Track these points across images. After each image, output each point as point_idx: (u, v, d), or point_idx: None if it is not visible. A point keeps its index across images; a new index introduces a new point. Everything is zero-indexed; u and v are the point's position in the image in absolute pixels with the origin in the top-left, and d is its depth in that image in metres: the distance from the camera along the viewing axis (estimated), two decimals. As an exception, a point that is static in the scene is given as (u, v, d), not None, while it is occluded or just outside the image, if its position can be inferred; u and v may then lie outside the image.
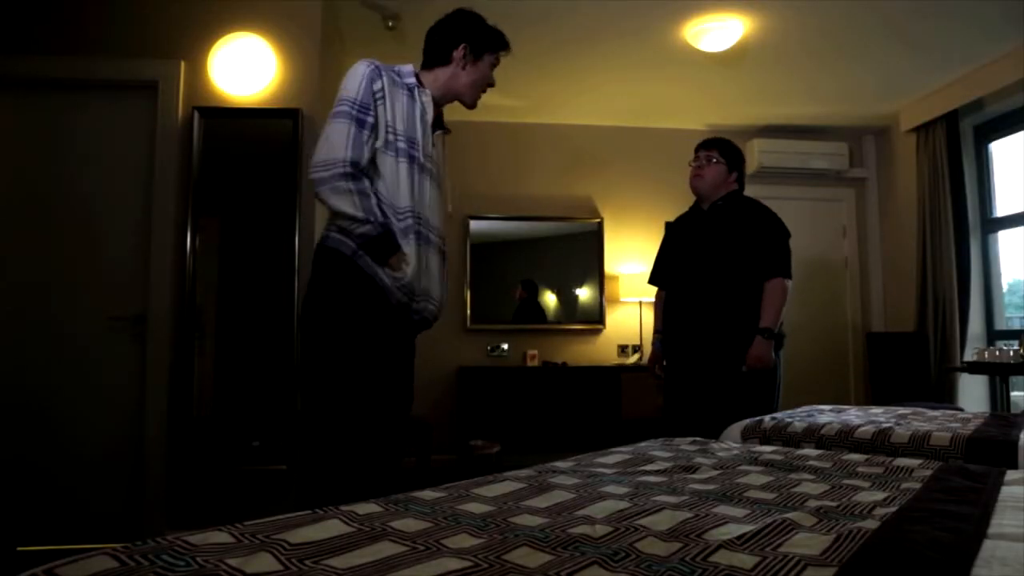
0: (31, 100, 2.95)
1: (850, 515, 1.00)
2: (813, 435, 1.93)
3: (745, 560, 0.76)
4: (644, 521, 0.94)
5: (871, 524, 0.93)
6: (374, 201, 1.75)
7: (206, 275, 2.95)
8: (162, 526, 2.73)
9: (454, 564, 0.72)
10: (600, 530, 0.88)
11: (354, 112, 1.75)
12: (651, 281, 2.95)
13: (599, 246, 5.05)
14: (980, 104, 4.23)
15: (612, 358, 4.98)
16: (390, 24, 3.49)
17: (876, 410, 2.43)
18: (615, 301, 5.01)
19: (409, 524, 0.89)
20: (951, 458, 1.66)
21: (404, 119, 1.82)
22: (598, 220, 5.07)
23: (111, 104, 2.97)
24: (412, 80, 1.89)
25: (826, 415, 2.25)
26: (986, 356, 3.74)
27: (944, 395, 4.29)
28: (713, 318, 2.58)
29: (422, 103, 1.88)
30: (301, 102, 2.97)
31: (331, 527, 0.85)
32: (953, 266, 4.31)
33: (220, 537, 0.78)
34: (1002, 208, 4.45)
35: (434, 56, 1.95)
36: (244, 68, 2.96)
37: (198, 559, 0.70)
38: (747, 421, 2.13)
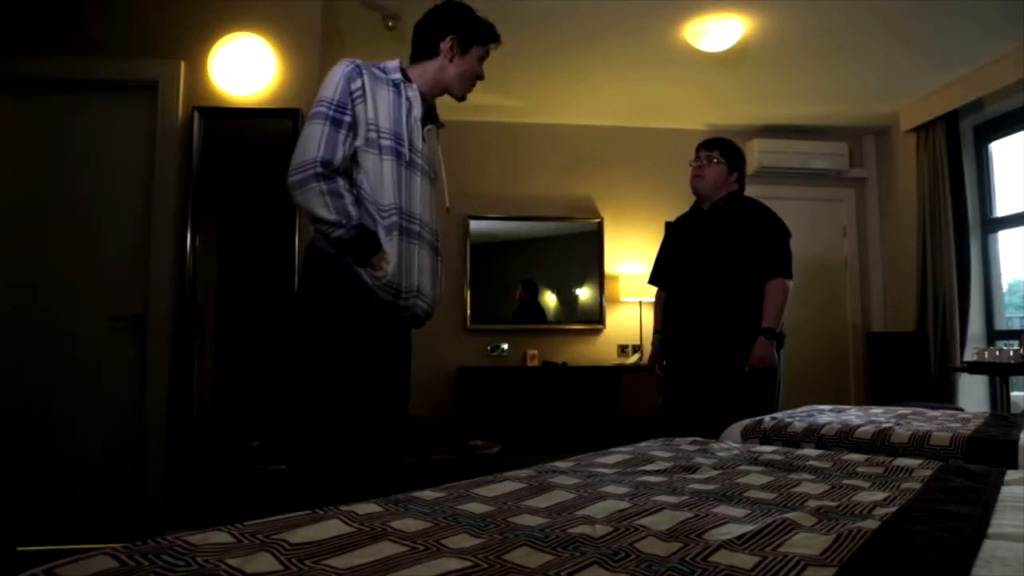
0: (31, 100, 2.95)
1: (850, 515, 1.00)
2: (813, 435, 1.93)
3: (745, 560, 0.76)
4: (644, 521, 0.94)
5: (871, 524, 0.93)
6: (348, 200, 1.71)
7: (206, 275, 2.95)
8: (162, 526, 2.73)
9: (454, 564, 0.72)
10: (600, 530, 0.88)
11: (330, 112, 1.72)
12: (651, 281, 2.95)
13: (599, 246, 5.05)
14: (980, 104, 4.23)
15: (612, 358, 4.98)
16: (390, 24, 3.49)
17: (876, 410, 2.43)
18: (615, 301, 5.01)
19: (409, 524, 0.89)
20: (951, 458, 1.66)
21: (389, 115, 1.79)
22: (598, 220, 5.07)
23: (111, 104, 2.98)
24: (398, 75, 1.85)
25: (826, 415, 2.25)
26: (986, 356, 3.74)
27: (944, 395, 4.29)
28: (713, 318, 2.58)
29: (408, 98, 1.84)
30: (301, 102, 2.96)
31: (331, 527, 0.85)
32: (953, 266, 4.31)
33: (220, 537, 0.78)
34: (1002, 208, 4.45)
35: (422, 49, 1.92)
36: (244, 68, 2.96)
37: (198, 559, 0.70)
38: (747, 421, 2.13)
